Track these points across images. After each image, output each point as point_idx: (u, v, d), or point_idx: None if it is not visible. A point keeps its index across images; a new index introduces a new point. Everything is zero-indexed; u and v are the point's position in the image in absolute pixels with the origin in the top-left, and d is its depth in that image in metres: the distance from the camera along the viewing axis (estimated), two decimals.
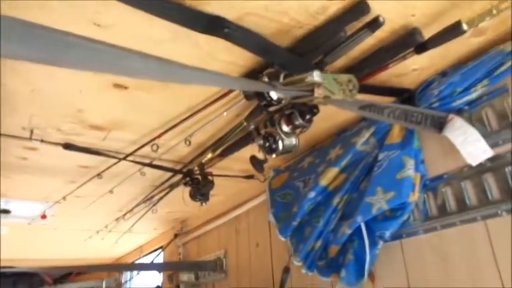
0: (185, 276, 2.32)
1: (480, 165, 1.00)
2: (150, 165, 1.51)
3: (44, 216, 2.02)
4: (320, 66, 0.92)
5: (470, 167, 1.04)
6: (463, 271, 1.03)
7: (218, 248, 2.20)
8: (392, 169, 1.14)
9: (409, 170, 1.12)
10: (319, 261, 1.40)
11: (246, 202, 2.01)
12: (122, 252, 3.47)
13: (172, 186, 1.79)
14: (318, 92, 0.65)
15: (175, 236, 2.62)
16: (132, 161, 1.47)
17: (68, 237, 2.78)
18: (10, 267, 3.49)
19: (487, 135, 0.98)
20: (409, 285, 1.17)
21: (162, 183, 1.79)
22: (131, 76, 0.55)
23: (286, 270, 1.61)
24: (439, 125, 0.94)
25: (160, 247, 2.86)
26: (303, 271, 1.41)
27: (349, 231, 1.23)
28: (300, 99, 0.71)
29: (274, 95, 0.92)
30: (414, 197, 1.12)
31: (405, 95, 1.16)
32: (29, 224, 2.13)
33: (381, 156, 1.21)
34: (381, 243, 1.20)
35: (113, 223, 2.34)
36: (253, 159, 1.25)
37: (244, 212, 2.03)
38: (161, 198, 1.93)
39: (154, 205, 1.99)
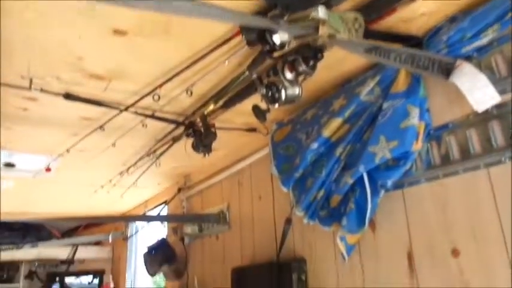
0: (189, 229, 2.38)
1: (486, 112, 0.98)
2: (152, 116, 1.50)
3: (48, 169, 2.03)
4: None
5: (475, 114, 1.03)
6: (464, 219, 1.04)
7: (221, 201, 2.24)
8: (397, 118, 1.13)
9: (414, 119, 1.10)
10: (320, 211, 1.42)
11: (248, 156, 2.02)
12: (127, 207, 3.54)
13: (174, 140, 1.79)
14: (323, 30, 0.63)
15: (179, 190, 2.65)
16: (134, 112, 1.46)
17: (73, 192, 2.83)
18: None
19: (496, 81, 0.95)
20: (410, 233, 1.19)
21: (165, 136, 1.79)
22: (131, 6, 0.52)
23: (288, 221, 1.64)
24: (447, 71, 0.91)
25: (165, 202, 2.91)
26: (305, 221, 1.43)
27: (351, 181, 1.24)
28: (304, 38, 0.68)
29: (277, 39, 0.89)
30: (418, 146, 1.12)
31: (412, 42, 1.12)
32: (33, 177, 2.15)
33: (385, 105, 1.19)
34: (382, 192, 1.21)
35: (117, 177, 2.37)
36: (256, 109, 1.23)
37: (247, 165, 2.04)
38: (164, 151, 1.93)
39: (157, 159, 2.00)
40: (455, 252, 1.05)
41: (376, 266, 1.28)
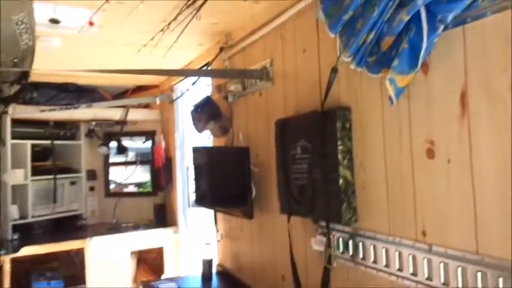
0: (232, 87, 2.40)
1: None
2: None
3: (91, 23, 2.03)
4: None
5: None
6: None
7: (264, 57, 2.20)
8: None
9: None
10: (369, 57, 1.36)
11: (291, 6, 1.89)
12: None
13: None
14: None
15: (221, 49, 2.61)
16: None
17: (117, 52, 2.87)
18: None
19: None
20: (466, 74, 1.12)
21: None
22: None
23: (334, 70, 1.59)
24: None
25: (207, 63, 2.91)
26: (352, 67, 1.38)
27: (406, 18, 1.14)
28: None
29: None
30: None
31: None
32: (78, 32, 2.17)
33: None
34: (441, 28, 1.11)
35: (159, 35, 2.34)
36: None
37: (290, 17, 1.93)
38: (204, 2, 1.85)
39: (197, 10, 1.93)
40: None
41: (426, 110, 1.25)
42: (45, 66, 2.53)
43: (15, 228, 3.52)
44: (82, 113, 3.75)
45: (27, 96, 3.50)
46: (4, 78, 1.86)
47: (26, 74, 1.80)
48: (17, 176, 3.58)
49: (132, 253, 3.84)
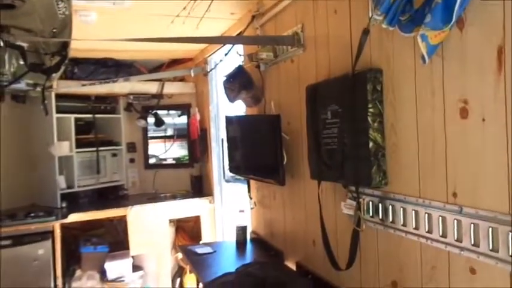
0: (264, 54, 2.39)
1: None
2: None
3: None
4: None
5: None
6: None
7: (295, 23, 2.17)
8: None
9: None
10: (401, 16, 1.31)
11: None
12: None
13: None
14: None
15: (253, 17, 2.60)
16: None
17: (152, 24, 2.92)
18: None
19: None
20: (504, 33, 1.05)
21: None
22: None
23: (365, 31, 1.55)
24: None
25: (239, 33, 2.91)
26: (383, 26, 1.34)
27: None
28: None
29: None
30: None
31: None
32: (114, 4, 2.23)
33: None
34: None
35: (191, 4, 2.36)
36: None
37: None
38: None
39: None
40: None
41: (460, 68, 1.20)
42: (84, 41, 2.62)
43: (63, 197, 3.76)
44: (120, 87, 3.88)
45: (69, 70, 3.66)
46: (45, 49, 1.95)
47: (65, 45, 1.88)
48: (63, 148, 3.79)
49: (171, 221, 4.01)
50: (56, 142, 3.71)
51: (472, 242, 1.18)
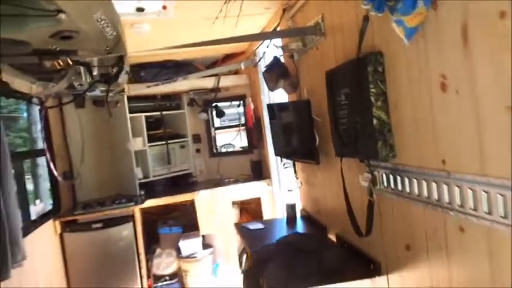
0: (293, 45, 2.58)
1: None
2: None
3: (164, 7, 2.40)
4: None
5: None
6: None
7: (317, 13, 2.32)
8: None
9: None
10: (388, 2, 1.43)
11: None
12: None
13: None
14: None
15: (284, 11, 2.79)
16: None
17: (196, 28, 3.24)
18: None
19: None
20: (468, 10, 1.16)
21: None
22: None
23: (366, 18, 1.69)
24: None
25: (275, 28, 3.11)
26: (372, 13, 1.48)
27: None
28: None
29: None
30: None
31: None
32: (158, 16, 2.57)
33: None
34: None
35: (225, 6, 2.62)
36: None
37: None
38: None
39: None
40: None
41: (438, 45, 1.31)
42: (141, 49, 3.02)
43: (141, 185, 4.32)
44: (181, 85, 4.30)
45: (136, 74, 4.16)
46: (106, 63, 2.36)
47: (121, 58, 2.26)
48: (137, 144, 4.34)
49: (234, 203, 4.38)
50: (131, 139, 4.25)
51: (459, 203, 1.30)
